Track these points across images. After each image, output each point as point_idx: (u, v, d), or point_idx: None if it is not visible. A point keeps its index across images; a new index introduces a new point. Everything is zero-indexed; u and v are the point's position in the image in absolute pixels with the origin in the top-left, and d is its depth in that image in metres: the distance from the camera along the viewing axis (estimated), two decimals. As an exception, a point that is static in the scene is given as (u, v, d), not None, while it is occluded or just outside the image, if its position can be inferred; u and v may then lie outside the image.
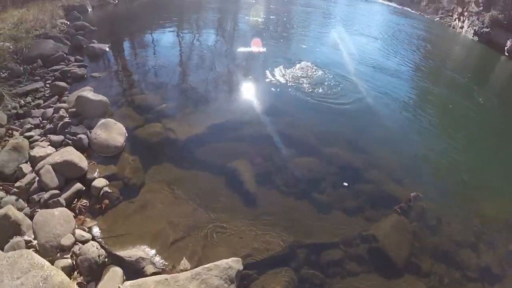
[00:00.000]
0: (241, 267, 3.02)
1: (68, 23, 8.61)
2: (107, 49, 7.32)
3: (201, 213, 3.76)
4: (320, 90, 6.75)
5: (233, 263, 2.97)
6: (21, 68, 5.93)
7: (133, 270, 3.01)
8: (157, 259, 3.15)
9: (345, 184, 4.49)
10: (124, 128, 4.80)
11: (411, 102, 7.12)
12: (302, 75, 7.30)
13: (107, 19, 9.51)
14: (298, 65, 7.74)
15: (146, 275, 2.91)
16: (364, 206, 4.25)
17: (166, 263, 3.13)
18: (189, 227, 3.56)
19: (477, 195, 4.88)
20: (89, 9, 9.84)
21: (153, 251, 3.21)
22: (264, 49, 8.67)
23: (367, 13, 17.08)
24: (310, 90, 6.72)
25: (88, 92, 5.20)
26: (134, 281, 2.70)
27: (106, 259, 3.07)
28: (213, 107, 5.79)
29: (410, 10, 19.19)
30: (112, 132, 4.60)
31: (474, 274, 3.76)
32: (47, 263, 2.65)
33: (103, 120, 4.76)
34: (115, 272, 2.94)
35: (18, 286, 2.42)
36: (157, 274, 2.91)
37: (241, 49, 8.54)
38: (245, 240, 3.50)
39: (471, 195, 4.88)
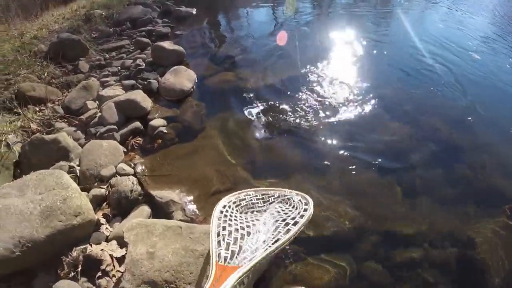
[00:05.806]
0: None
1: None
2: (194, 12, 7.20)
3: (256, 169, 3.07)
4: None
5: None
6: (111, 29, 6.16)
7: (162, 212, 2.58)
8: (190, 206, 2.61)
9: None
10: (195, 75, 4.45)
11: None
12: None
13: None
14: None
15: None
16: (463, 199, 3.00)
17: (198, 213, 2.56)
18: (239, 180, 2.92)
19: None
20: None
21: (189, 198, 2.68)
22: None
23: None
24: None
25: (164, 42, 5.04)
26: (143, 219, 2.23)
27: (140, 197, 2.67)
28: (295, 61, 4.97)
29: None
30: (181, 77, 4.29)
31: None
32: (74, 185, 2.37)
33: (175, 67, 4.49)
34: (142, 210, 2.53)
35: (37, 200, 2.17)
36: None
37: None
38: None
39: None
